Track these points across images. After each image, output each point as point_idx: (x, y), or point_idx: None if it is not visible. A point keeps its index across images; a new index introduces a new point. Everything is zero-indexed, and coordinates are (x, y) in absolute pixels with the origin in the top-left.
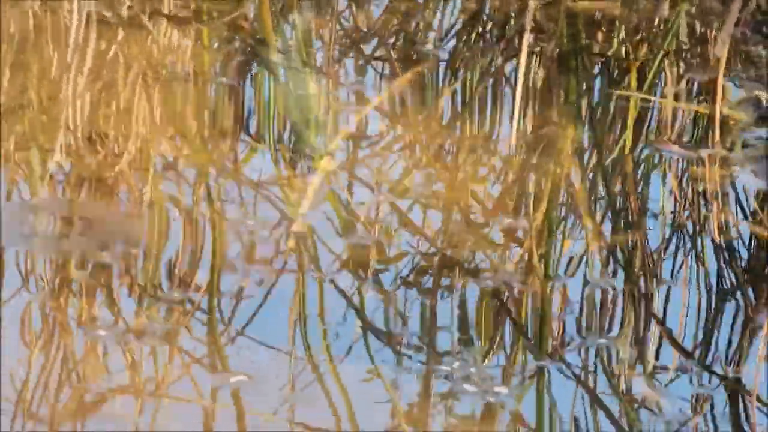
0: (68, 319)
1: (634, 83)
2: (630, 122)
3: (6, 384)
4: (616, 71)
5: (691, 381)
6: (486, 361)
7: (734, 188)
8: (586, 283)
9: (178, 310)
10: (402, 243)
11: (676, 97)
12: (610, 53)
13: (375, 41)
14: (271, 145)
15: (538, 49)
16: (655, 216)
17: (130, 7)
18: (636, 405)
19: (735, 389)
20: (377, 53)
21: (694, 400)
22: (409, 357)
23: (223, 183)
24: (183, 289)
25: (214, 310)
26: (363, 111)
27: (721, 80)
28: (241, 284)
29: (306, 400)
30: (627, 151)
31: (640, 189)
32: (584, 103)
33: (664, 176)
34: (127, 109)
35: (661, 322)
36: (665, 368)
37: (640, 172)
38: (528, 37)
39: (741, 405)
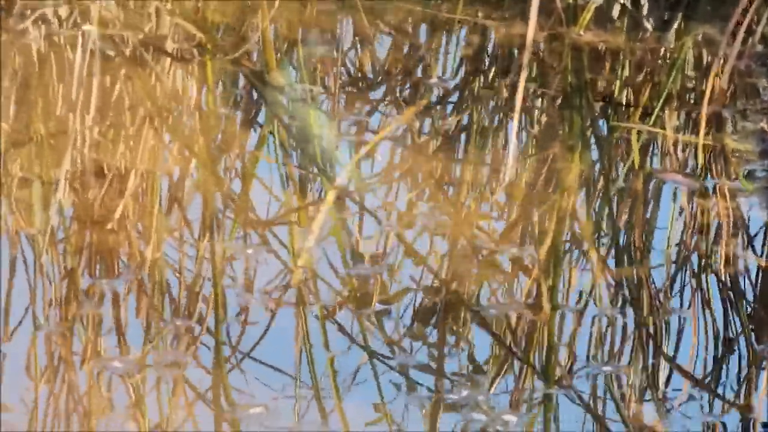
0: (72, 354)
1: (637, 118)
2: (635, 153)
3: (12, 417)
4: (621, 106)
5: (702, 409)
6: (493, 389)
7: (744, 220)
8: (593, 311)
9: (184, 339)
10: (405, 277)
11: (679, 130)
12: (613, 95)
13: (380, 79)
14: (280, 174)
15: (540, 88)
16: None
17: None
18: None
19: (745, 413)
20: (383, 95)
21: (704, 429)
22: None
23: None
24: (187, 319)
25: (221, 345)
26: (370, 142)
27: (722, 111)
28: (243, 317)
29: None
30: (632, 181)
31: (647, 215)
32: (588, 134)
33: (674, 200)
34: (133, 144)
35: (670, 359)
36: (674, 396)
37: (647, 201)
38: (526, 62)
39: None
